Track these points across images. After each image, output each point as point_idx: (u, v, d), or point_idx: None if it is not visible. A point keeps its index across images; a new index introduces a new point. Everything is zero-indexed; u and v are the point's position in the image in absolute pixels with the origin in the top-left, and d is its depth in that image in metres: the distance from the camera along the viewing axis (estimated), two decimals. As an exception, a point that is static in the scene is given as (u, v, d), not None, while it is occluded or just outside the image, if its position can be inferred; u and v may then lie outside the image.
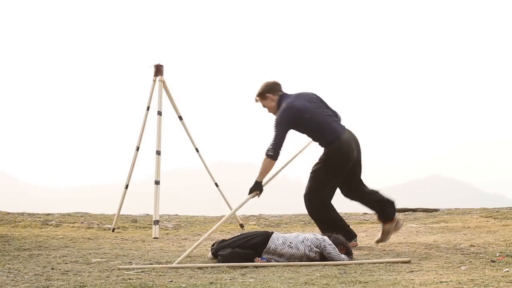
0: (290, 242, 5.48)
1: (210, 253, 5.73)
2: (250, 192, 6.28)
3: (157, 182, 7.78)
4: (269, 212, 10.65)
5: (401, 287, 4.25)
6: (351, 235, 6.40)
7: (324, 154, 6.36)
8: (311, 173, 6.43)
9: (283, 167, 6.71)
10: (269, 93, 6.39)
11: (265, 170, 6.19)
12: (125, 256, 5.91)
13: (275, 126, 6.18)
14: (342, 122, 6.52)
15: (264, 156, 6.14)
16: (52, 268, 5.14)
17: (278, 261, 5.41)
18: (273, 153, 6.13)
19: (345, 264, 5.28)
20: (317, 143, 6.46)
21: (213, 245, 5.73)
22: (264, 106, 6.41)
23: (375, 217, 9.67)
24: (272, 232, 5.61)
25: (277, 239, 5.49)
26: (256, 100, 6.48)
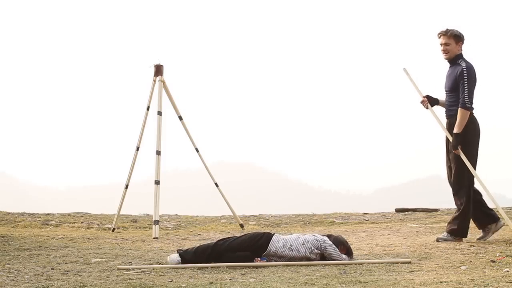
0: (290, 245, 5.46)
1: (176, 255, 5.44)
2: (455, 147, 6.50)
3: (157, 182, 7.78)
4: (269, 212, 10.65)
5: (401, 287, 4.25)
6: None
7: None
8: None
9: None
10: (462, 42, 6.71)
11: (463, 121, 6.51)
12: (125, 256, 5.91)
13: (467, 80, 6.51)
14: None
15: (461, 109, 6.48)
16: (52, 268, 5.14)
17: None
18: (470, 105, 6.50)
19: (345, 264, 5.28)
20: (451, 110, 6.65)
21: (195, 249, 5.53)
22: (448, 45, 6.66)
23: (375, 217, 9.72)
24: (273, 234, 5.58)
25: (278, 242, 5.47)
26: (447, 35, 6.65)
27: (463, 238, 6.57)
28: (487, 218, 6.67)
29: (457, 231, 6.55)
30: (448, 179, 6.78)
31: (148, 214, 10.05)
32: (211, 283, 4.49)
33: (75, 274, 4.89)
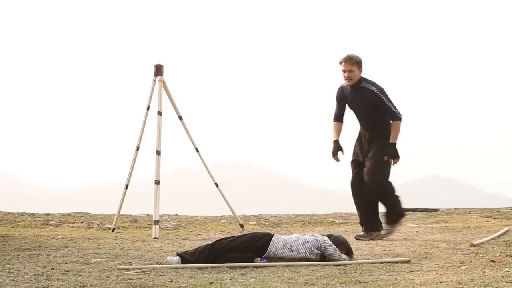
0: (290, 246, 5.45)
1: (176, 258, 5.37)
2: (392, 157, 6.91)
3: (157, 182, 7.78)
4: (269, 212, 10.65)
5: (401, 287, 4.25)
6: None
7: (379, 139, 6.98)
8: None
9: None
10: (362, 67, 7.03)
11: (398, 132, 6.94)
12: (125, 256, 5.91)
13: (386, 97, 6.92)
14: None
15: (396, 121, 6.91)
16: (52, 268, 5.14)
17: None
18: (400, 114, 6.94)
19: (345, 264, 5.28)
20: (371, 125, 7.06)
21: (194, 250, 5.51)
22: (351, 71, 6.95)
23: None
24: (273, 235, 5.57)
25: (278, 243, 5.46)
26: (350, 62, 6.94)
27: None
28: (377, 224, 7.09)
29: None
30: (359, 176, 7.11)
31: (148, 214, 10.05)
32: (211, 283, 4.49)
33: (75, 274, 4.89)
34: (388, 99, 6.93)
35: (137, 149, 8.27)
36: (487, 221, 8.57)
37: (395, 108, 6.93)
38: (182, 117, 8.38)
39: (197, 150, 8.40)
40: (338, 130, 7.22)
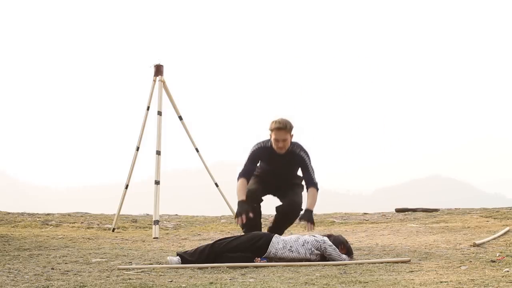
0: (290, 246, 5.45)
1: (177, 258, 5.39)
2: (309, 221, 6.34)
3: (157, 182, 7.78)
4: (269, 212, 10.65)
5: (401, 287, 4.24)
6: None
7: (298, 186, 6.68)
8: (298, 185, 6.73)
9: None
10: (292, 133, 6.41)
11: (316, 200, 6.42)
12: (125, 256, 5.91)
13: (310, 163, 6.44)
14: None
15: (317, 191, 6.41)
16: (52, 268, 5.14)
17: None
18: (318, 187, 6.48)
19: (345, 264, 5.28)
20: (287, 181, 6.68)
21: (194, 250, 5.55)
22: (285, 140, 6.28)
23: (375, 217, 9.72)
24: (273, 235, 5.58)
25: (277, 243, 5.46)
26: (285, 129, 6.29)
27: None
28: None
29: None
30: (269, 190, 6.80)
31: (148, 214, 10.06)
32: (211, 283, 4.49)
33: (75, 274, 4.89)
34: (311, 166, 6.46)
35: (137, 149, 8.28)
36: (487, 221, 8.57)
37: (315, 177, 6.46)
38: (182, 117, 8.39)
39: (197, 150, 8.40)
40: (245, 189, 6.47)
